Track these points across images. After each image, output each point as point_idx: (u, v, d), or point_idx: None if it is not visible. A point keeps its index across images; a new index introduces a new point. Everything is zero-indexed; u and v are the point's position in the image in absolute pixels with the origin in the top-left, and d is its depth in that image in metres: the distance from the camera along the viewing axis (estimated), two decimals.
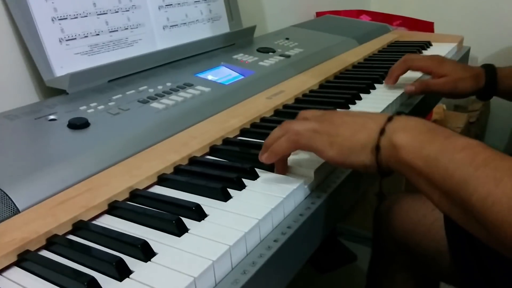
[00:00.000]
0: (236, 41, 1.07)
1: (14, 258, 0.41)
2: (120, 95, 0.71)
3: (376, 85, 0.86)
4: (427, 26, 1.54)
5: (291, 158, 0.55)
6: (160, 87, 0.76)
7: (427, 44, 1.19)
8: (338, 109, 0.54)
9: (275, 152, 0.52)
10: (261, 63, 0.93)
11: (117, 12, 0.83)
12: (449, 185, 0.40)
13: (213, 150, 0.61)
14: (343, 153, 0.48)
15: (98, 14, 0.79)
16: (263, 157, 0.52)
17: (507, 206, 0.36)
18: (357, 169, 0.50)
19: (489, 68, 0.83)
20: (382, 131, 0.47)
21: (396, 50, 1.17)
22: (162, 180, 0.54)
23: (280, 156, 0.52)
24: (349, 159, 0.48)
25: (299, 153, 0.57)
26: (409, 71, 0.84)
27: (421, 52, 1.14)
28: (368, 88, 0.83)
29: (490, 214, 0.37)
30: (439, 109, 1.69)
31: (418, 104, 0.83)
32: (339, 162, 0.49)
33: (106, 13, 0.81)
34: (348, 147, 0.48)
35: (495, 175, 0.38)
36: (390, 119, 0.47)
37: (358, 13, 1.62)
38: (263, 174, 0.53)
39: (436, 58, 0.83)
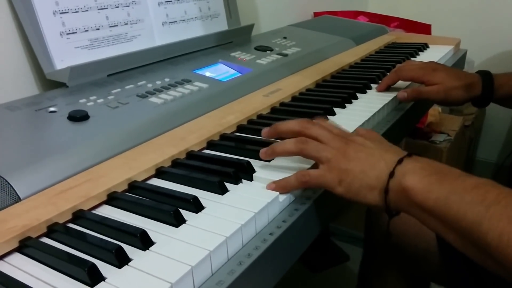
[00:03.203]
0: (234, 39, 1.08)
1: (15, 244, 0.42)
2: (119, 89, 0.72)
3: (372, 85, 0.87)
4: (425, 28, 1.55)
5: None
6: (158, 82, 0.77)
7: (424, 46, 1.21)
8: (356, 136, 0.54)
9: (277, 152, 0.54)
10: (258, 61, 0.94)
11: (118, 7, 0.83)
12: (463, 226, 0.41)
13: (210, 145, 0.62)
14: (351, 191, 0.49)
15: (98, 9, 0.80)
16: (263, 151, 0.54)
17: None
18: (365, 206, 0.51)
19: (486, 76, 0.83)
20: (391, 174, 0.47)
21: (393, 51, 1.18)
22: (160, 173, 0.55)
23: (279, 156, 0.55)
24: (357, 197, 0.49)
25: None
26: None
27: (418, 54, 1.15)
28: (364, 88, 0.85)
29: (507, 253, 0.38)
30: (435, 111, 1.71)
31: (413, 106, 0.84)
32: (347, 199, 0.50)
33: (107, 8, 0.81)
34: (357, 186, 0.48)
35: (507, 213, 0.38)
36: (400, 161, 0.47)
37: (356, 14, 1.64)
38: (259, 169, 0.54)
39: (429, 66, 0.82)
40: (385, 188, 0.47)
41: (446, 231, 0.43)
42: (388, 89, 0.84)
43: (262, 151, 0.55)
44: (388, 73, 0.90)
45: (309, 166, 0.54)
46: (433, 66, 0.82)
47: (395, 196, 0.46)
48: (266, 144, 0.58)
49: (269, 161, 0.56)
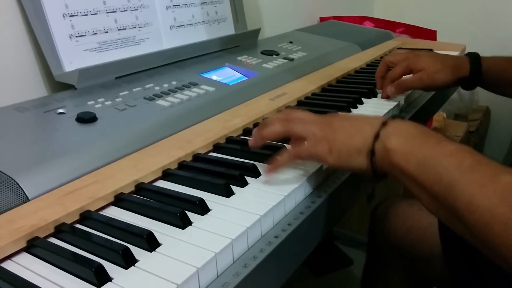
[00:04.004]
0: (241, 43, 1.09)
1: (23, 244, 0.42)
2: (127, 92, 0.73)
3: (377, 90, 0.87)
4: (430, 34, 1.55)
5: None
6: (166, 85, 0.77)
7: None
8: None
9: (265, 136, 0.54)
10: (264, 65, 0.94)
11: (126, 10, 0.84)
12: (437, 189, 0.42)
13: (217, 147, 0.63)
14: (342, 158, 0.50)
15: (107, 12, 0.81)
16: (251, 140, 0.56)
17: (489, 210, 0.38)
18: (355, 172, 0.52)
19: (474, 58, 0.83)
20: (376, 136, 0.48)
21: None
22: (167, 175, 0.55)
23: (268, 139, 0.55)
24: (348, 164, 0.50)
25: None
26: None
27: None
28: (369, 93, 0.85)
29: (474, 218, 0.39)
30: (439, 117, 1.71)
31: (418, 111, 0.85)
32: (339, 167, 0.52)
33: (115, 11, 0.82)
34: (346, 152, 0.50)
35: (479, 180, 0.40)
36: (384, 123, 0.49)
37: (362, 19, 1.64)
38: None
39: (412, 54, 0.82)
40: (371, 149, 0.48)
41: (422, 194, 0.45)
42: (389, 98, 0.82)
43: (251, 140, 0.56)
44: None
45: (315, 168, 0.54)
46: (415, 53, 0.83)
47: (380, 158, 0.48)
48: (271, 147, 0.58)
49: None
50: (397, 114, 0.80)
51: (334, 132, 0.51)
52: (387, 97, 0.82)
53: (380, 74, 0.85)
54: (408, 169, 0.45)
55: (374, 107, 0.79)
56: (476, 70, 0.82)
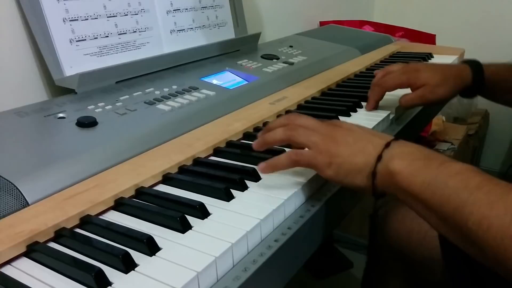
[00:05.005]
0: (241, 47, 1.09)
1: (23, 249, 0.42)
2: (127, 96, 0.73)
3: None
4: (429, 38, 1.55)
5: None
6: (166, 89, 0.77)
7: (428, 56, 1.21)
8: (344, 121, 0.55)
9: (268, 142, 0.55)
10: (265, 69, 0.95)
11: (126, 15, 0.84)
12: (445, 210, 0.42)
13: (217, 152, 0.63)
14: (340, 174, 0.50)
15: (108, 17, 0.81)
16: (255, 143, 0.56)
17: (501, 229, 0.37)
18: (351, 189, 0.52)
19: (475, 65, 0.80)
20: (379, 158, 0.48)
21: (398, 61, 1.18)
22: (167, 179, 0.55)
23: (270, 145, 0.55)
24: (346, 180, 0.50)
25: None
26: None
27: None
28: None
29: (486, 238, 0.38)
30: (439, 120, 1.71)
31: (417, 115, 0.85)
32: (336, 182, 0.52)
33: (116, 16, 0.82)
34: (346, 168, 0.50)
35: (489, 199, 0.39)
36: (387, 145, 0.49)
37: (361, 23, 1.65)
38: (265, 176, 0.55)
39: (411, 67, 0.78)
40: (373, 171, 0.48)
41: (430, 215, 0.44)
42: (377, 107, 0.78)
43: (254, 143, 0.56)
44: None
45: (315, 172, 0.54)
46: (414, 67, 0.78)
47: (382, 180, 0.47)
48: (272, 151, 0.58)
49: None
50: (398, 118, 0.80)
51: (337, 146, 0.51)
52: (374, 107, 0.78)
53: (376, 98, 0.79)
54: (414, 191, 0.45)
55: (374, 111, 0.78)
56: (478, 79, 0.80)
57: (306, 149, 0.52)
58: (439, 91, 0.76)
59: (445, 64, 0.84)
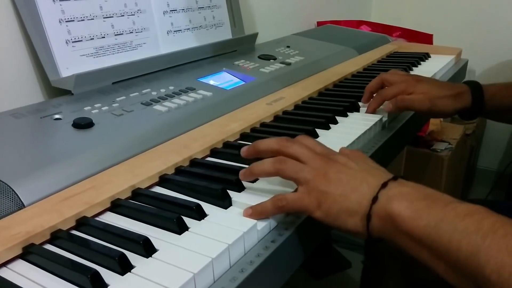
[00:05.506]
0: (238, 47, 1.09)
1: (19, 251, 0.42)
2: (124, 97, 0.73)
3: (374, 95, 0.87)
4: (426, 38, 1.56)
5: None
6: (163, 90, 0.77)
7: (425, 56, 1.21)
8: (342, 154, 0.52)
9: (255, 173, 0.51)
10: (262, 69, 0.95)
11: (123, 16, 0.84)
12: (455, 257, 0.38)
13: (214, 152, 0.63)
14: (330, 216, 0.46)
15: (104, 17, 0.81)
16: (242, 172, 0.52)
17: None
18: (343, 232, 0.47)
19: (475, 87, 0.79)
20: (374, 199, 0.44)
21: (395, 60, 1.19)
22: (164, 180, 0.55)
23: (257, 176, 0.53)
24: (336, 222, 0.46)
25: None
26: None
27: (420, 64, 1.15)
28: None
29: (508, 286, 0.35)
30: (436, 120, 1.71)
31: (414, 115, 0.85)
32: (326, 223, 0.47)
33: (112, 17, 0.82)
34: (336, 210, 0.45)
35: (506, 243, 0.36)
36: (384, 185, 0.44)
37: (359, 23, 1.65)
38: (262, 178, 0.55)
39: (412, 78, 0.77)
40: (367, 213, 0.44)
41: (437, 262, 0.40)
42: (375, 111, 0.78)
43: (241, 172, 0.52)
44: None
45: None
46: (416, 77, 0.78)
47: (379, 223, 0.43)
48: None
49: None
50: (394, 117, 0.80)
51: (328, 184, 0.46)
52: (372, 112, 0.77)
53: (371, 89, 0.80)
54: (417, 236, 0.40)
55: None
56: (478, 100, 0.78)
57: (291, 191, 0.49)
58: (438, 103, 0.74)
59: (445, 82, 0.82)
